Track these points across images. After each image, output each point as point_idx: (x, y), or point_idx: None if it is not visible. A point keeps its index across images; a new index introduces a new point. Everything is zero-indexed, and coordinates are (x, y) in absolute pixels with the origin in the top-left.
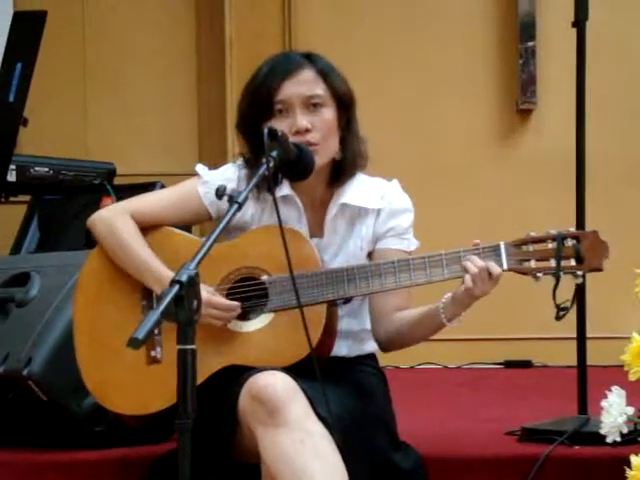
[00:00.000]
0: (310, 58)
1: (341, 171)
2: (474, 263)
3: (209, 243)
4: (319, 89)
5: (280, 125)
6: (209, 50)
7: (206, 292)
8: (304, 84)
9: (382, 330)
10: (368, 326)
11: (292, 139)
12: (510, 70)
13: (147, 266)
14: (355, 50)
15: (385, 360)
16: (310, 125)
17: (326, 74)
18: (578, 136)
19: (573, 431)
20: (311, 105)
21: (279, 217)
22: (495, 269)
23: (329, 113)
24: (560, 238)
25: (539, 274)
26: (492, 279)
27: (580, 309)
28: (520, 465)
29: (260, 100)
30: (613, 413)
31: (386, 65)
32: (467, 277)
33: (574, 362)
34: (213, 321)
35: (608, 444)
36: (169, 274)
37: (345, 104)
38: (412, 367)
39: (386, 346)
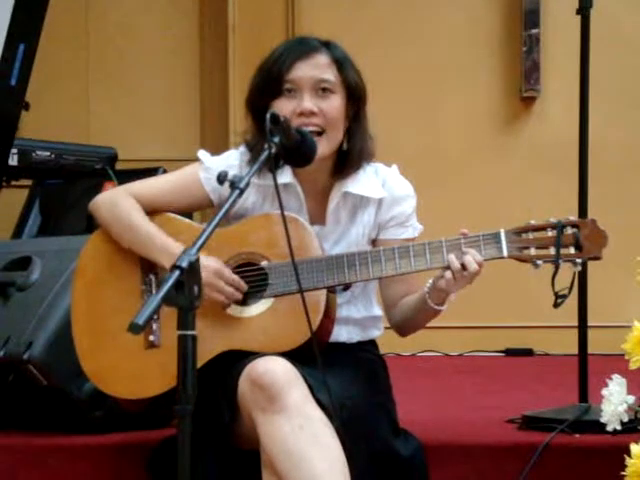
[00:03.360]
0: (328, 45)
1: (345, 163)
2: (458, 259)
3: (210, 229)
4: (331, 75)
5: (287, 105)
6: (212, 36)
7: (217, 264)
8: (316, 68)
9: (393, 316)
10: (372, 313)
11: (296, 121)
12: (514, 57)
13: (154, 239)
14: (358, 37)
15: (386, 347)
16: (316, 109)
17: (341, 62)
18: (581, 123)
19: (574, 419)
20: (320, 89)
21: (280, 202)
22: (472, 266)
23: (337, 101)
24: (560, 226)
25: (539, 262)
26: (468, 275)
27: (581, 298)
28: (520, 453)
29: (271, 77)
30: (614, 401)
31: (390, 52)
32: (447, 272)
33: (575, 350)
34: (217, 295)
35: (608, 432)
36: (177, 246)
37: (355, 96)
38: (413, 355)
39: (401, 331)
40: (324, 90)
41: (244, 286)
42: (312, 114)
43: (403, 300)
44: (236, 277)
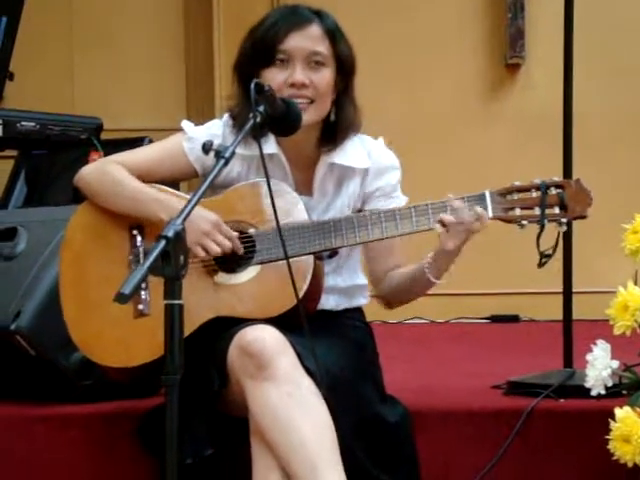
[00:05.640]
0: (320, 15)
1: (333, 135)
2: (451, 214)
3: (196, 198)
4: (323, 47)
5: (278, 75)
6: (197, 5)
7: (216, 216)
8: (309, 39)
9: (383, 289)
10: (357, 282)
11: (286, 91)
12: (498, 24)
13: (151, 196)
14: (342, 4)
15: (373, 315)
16: (307, 81)
17: (333, 34)
18: (565, 91)
19: (558, 384)
20: (312, 62)
21: (265, 170)
22: (458, 204)
23: (328, 73)
24: (544, 186)
25: (524, 222)
26: (464, 227)
27: (567, 263)
28: (506, 418)
29: (264, 46)
30: (598, 366)
31: (374, 18)
32: (438, 226)
33: (560, 316)
34: (213, 246)
35: (593, 397)
36: (177, 201)
37: (346, 68)
38: (400, 322)
39: (389, 303)
40: (316, 62)
41: (239, 244)
42: (303, 86)
43: (392, 273)
44: (232, 232)
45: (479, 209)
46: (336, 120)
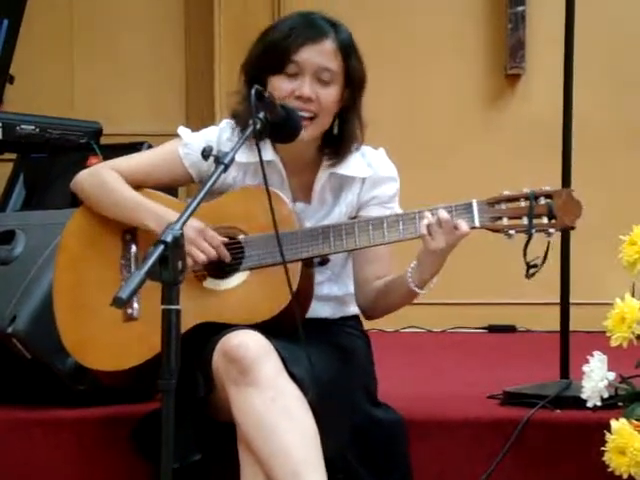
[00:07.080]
0: (336, 29)
1: (335, 147)
2: (432, 214)
3: (194, 204)
4: (335, 64)
5: (287, 84)
6: (197, 9)
7: (201, 224)
8: (323, 54)
9: (363, 297)
10: (351, 290)
11: (292, 103)
12: (499, 35)
13: (141, 205)
14: (342, 12)
15: (369, 323)
16: (314, 96)
17: (346, 51)
18: (565, 101)
19: (555, 395)
20: (321, 77)
21: (264, 175)
22: (444, 215)
23: (335, 90)
24: (533, 196)
25: (511, 231)
26: (444, 229)
27: (564, 274)
28: (502, 428)
29: (276, 53)
30: (594, 378)
31: (373, 28)
32: (422, 225)
33: (557, 327)
34: (198, 254)
35: (589, 408)
36: (166, 211)
37: (354, 84)
38: (396, 331)
39: (368, 313)
40: (325, 78)
41: (226, 254)
42: (309, 100)
43: (377, 282)
44: (218, 237)
45: (459, 221)
46: (340, 133)
